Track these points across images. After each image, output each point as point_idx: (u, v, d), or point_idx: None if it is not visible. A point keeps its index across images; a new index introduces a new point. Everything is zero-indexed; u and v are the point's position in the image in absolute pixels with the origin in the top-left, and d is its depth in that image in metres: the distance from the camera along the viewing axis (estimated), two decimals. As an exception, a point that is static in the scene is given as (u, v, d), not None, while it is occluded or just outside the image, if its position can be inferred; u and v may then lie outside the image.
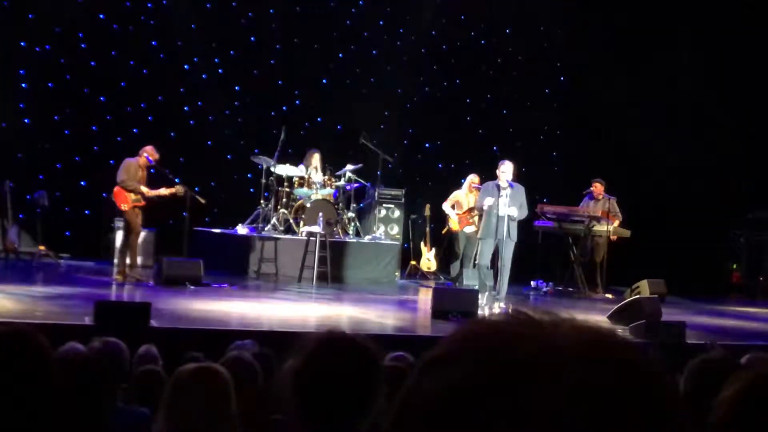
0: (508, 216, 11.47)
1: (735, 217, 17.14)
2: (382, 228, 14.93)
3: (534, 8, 17.18)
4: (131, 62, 15.01)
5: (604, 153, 16.57)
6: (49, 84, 14.55)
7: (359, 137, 14.95)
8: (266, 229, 13.67)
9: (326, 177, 13.94)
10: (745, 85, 17.09)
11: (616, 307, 10.56)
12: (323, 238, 12.92)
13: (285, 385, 2.24)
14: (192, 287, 11.13)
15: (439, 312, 9.77)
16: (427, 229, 14.84)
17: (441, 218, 14.51)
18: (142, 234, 12.48)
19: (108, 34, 14.84)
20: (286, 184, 13.77)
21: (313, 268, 12.71)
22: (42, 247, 12.79)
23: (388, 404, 0.89)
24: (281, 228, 13.70)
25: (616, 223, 14.02)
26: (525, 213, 11.85)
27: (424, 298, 12.13)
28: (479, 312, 10.01)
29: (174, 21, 15.07)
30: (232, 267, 13.16)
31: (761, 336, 10.58)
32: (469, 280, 12.62)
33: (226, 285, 11.79)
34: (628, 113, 16.74)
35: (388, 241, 14.67)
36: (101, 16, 14.89)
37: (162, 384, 3.70)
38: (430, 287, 12.82)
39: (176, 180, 12.34)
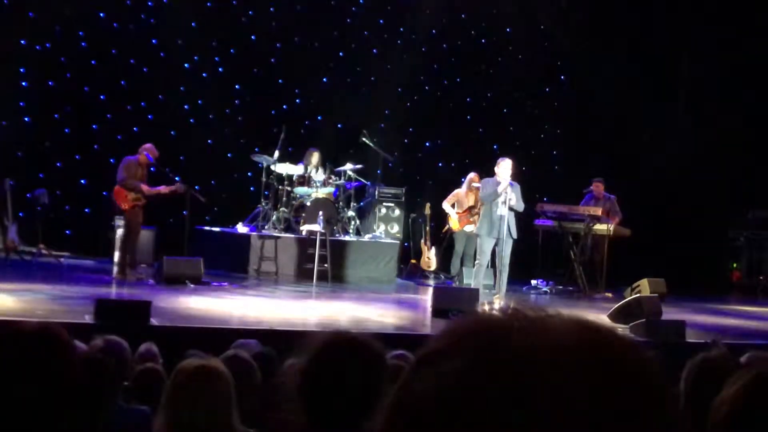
0: (509, 212, 11.47)
1: (735, 216, 17.14)
2: (382, 227, 14.93)
3: (534, 7, 17.17)
4: (131, 61, 15.01)
5: (604, 152, 16.56)
6: (50, 82, 14.54)
7: (359, 136, 14.95)
8: (266, 227, 13.67)
9: (326, 175, 13.94)
10: (745, 85, 17.09)
11: (616, 305, 10.55)
12: (323, 237, 12.92)
13: (291, 385, 2.24)
14: (192, 286, 11.13)
15: (439, 311, 9.78)
16: (427, 227, 14.83)
17: (441, 217, 14.50)
18: (143, 232, 12.48)
19: (108, 32, 14.83)
20: (286, 182, 13.77)
21: (313, 267, 12.71)
22: (42, 246, 12.78)
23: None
24: (281, 226, 13.70)
25: (616, 220, 14.02)
26: (522, 206, 11.86)
27: (424, 296, 12.13)
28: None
29: (174, 20, 15.05)
30: (233, 265, 13.17)
31: (761, 335, 10.58)
32: (469, 278, 12.62)
33: (226, 283, 11.79)
34: (628, 112, 16.73)
35: (388, 240, 14.67)
36: (101, 14, 14.88)
37: (162, 382, 3.70)
38: (430, 286, 12.83)
39: (176, 178, 12.34)
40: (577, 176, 15.21)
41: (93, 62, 14.79)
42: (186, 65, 15.41)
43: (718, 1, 17.18)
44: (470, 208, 13.73)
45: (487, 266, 12.00)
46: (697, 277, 15.27)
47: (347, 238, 14.08)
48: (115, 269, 11.84)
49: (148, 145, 11.87)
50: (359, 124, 15.27)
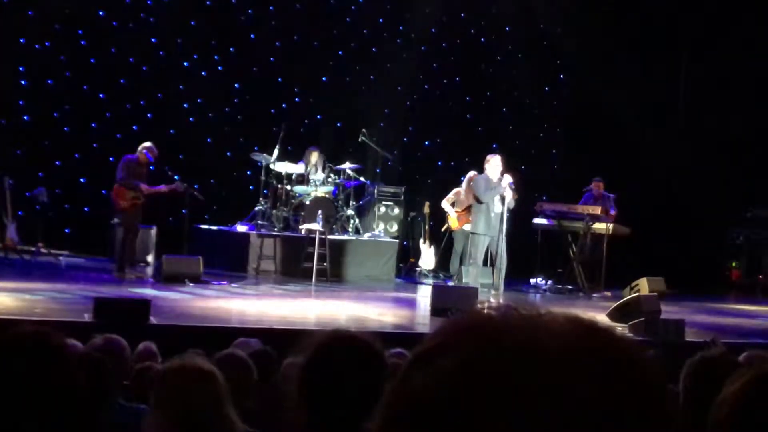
0: (504, 211, 11.48)
1: (734, 216, 17.13)
2: (381, 225, 14.93)
3: (533, 6, 17.16)
4: (131, 59, 15.00)
5: (603, 151, 16.56)
6: (49, 81, 14.54)
7: (359, 135, 14.95)
8: (265, 226, 13.67)
9: (325, 174, 13.94)
10: (745, 85, 17.08)
11: (615, 304, 10.56)
12: (322, 236, 12.92)
13: (291, 383, 2.25)
14: (191, 284, 11.13)
15: (438, 309, 9.78)
16: (427, 226, 14.84)
17: (440, 216, 14.50)
18: (142, 231, 12.48)
19: (107, 31, 14.82)
20: (285, 181, 13.77)
21: (313, 266, 12.71)
22: (41, 244, 12.78)
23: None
24: (280, 225, 13.70)
25: (612, 216, 14.02)
26: (513, 203, 11.84)
27: (423, 295, 12.13)
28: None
29: (173, 18, 15.04)
30: (232, 264, 13.16)
31: (761, 334, 10.59)
32: (468, 277, 12.62)
33: (225, 282, 11.79)
34: (627, 111, 16.73)
35: (388, 239, 14.67)
36: (101, 13, 14.88)
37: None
38: (429, 284, 12.83)
39: (175, 177, 12.34)
40: (577, 175, 15.21)
41: (92, 61, 14.78)
42: (185, 64, 15.40)
43: (718, 1, 17.17)
44: (469, 207, 13.72)
45: (486, 264, 12.01)
46: (696, 276, 15.27)
47: (346, 236, 14.08)
48: (115, 268, 11.85)
49: (147, 144, 11.87)
50: (359, 123, 15.26)
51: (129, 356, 4.66)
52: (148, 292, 10.36)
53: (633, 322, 9.38)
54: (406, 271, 15.10)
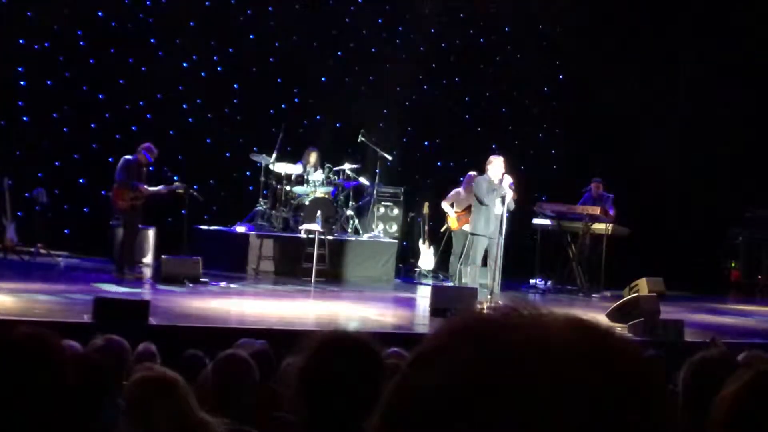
0: (504, 212, 11.48)
1: (734, 216, 17.14)
2: (380, 226, 14.93)
3: (533, 7, 17.16)
4: (130, 60, 15.00)
5: (603, 151, 16.57)
6: (48, 82, 14.54)
7: (358, 135, 14.95)
8: (265, 226, 13.67)
9: (325, 175, 13.95)
10: (744, 84, 17.09)
11: (614, 305, 10.56)
12: (322, 236, 12.92)
13: (290, 384, 2.25)
14: (191, 285, 11.13)
15: (437, 309, 9.79)
16: (426, 227, 14.84)
17: (440, 216, 14.50)
18: (141, 232, 12.48)
19: (107, 31, 14.82)
20: (284, 181, 13.77)
21: (312, 266, 12.71)
22: (40, 245, 12.79)
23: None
24: (280, 226, 13.70)
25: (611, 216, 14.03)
26: (513, 205, 11.85)
27: (423, 295, 12.13)
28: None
29: (172, 19, 15.04)
30: (231, 265, 13.16)
31: (760, 334, 10.59)
32: (467, 278, 12.62)
33: (224, 283, 11.79)
34: (627, 112, 16.73)
35: (387, 239, 14.67)
36: (100, 13, 14.88)
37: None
38: (429, 285, 12.83)
39: (175, 178, 12.34)
40: (576, 176, 15.22)
41: (91, 61, 14.78)
42: (184, 64, 15.41)
43: (718, 1, 17.18)
44: (469, 208, 13.71)
45: (483, 265, 12.01)
46: (695, 276, 15.27)
47: (346, 237, 14.08)
48: (114, 268, 11.85)
49: (146, 145, 11.87)
50: (358, 124, 15.27)
51: (129, 357, 4.66)
52: (148, 292, 10.36)
53: (632, 322, 9.39)
54: (406, 271, 15.10)
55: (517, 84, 17.57)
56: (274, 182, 13.82)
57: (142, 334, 5.82)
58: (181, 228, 12.78)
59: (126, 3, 15.03)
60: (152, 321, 7.61)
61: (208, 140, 15.53)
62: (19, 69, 14.37)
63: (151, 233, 13.38)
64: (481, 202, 11.82)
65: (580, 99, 17.45)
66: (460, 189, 14.10)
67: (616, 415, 0.79)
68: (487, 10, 17.24)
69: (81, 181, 14.69)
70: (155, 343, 5.22)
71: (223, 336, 6.84)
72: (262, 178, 13.96)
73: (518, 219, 12.65)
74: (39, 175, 14.21)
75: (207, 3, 15.58)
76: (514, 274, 13.27)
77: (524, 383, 0.78)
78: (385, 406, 0.83)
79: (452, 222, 14.10)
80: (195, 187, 12.81)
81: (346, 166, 14.27)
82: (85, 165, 14.62)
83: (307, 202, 13.49)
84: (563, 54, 17.76)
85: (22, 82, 14.44)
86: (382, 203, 15.19)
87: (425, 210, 14.91)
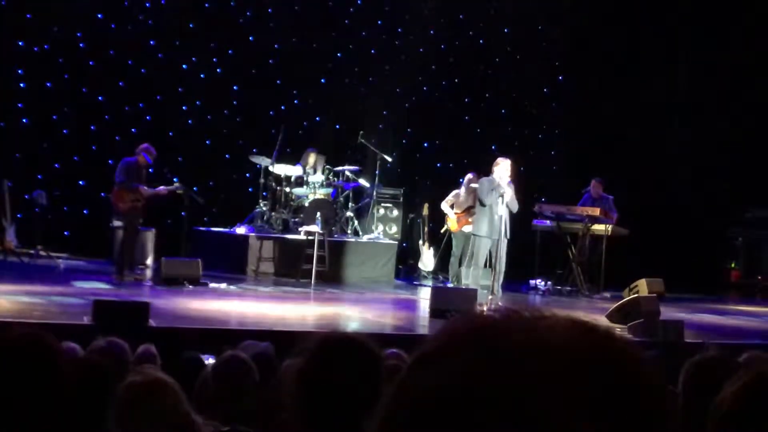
0: (507, 214, 11.47)
1: (733, 216, 17.14)
2: (380, 227, 14.93)
3: (532, 7, 17.17)
4: (129, 62, 15.00)
5: (602, 152, 16.57)
6: (48, 83, 14.54)
7: (358, 137, 14.95)
8: (264, 228, 13.67)
9: (324, 176, 13.95)
10: (744, 85, 17.10)
11: (614, 306, 10.56)
12: (321, 238, 12.92)
13: (288, 385, 2.25)
14: (190, 287, 11.12)
15: (437, 311, 9.78)
16: (426, 228, 14.83)
17: (439, 218, 14.50)
18: (141, 233, 12.47)
19: (106, 33, 14.82)
20: (284, 183, 13.77)
21: (312, 268, 12.71)
22: (40, 247, 12.78)
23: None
24: (279, 227, 13.71)
25: (612, 221, 14.03)
26: (516, 206, 11.88)
27: (423, 297, 12.14)
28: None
29: (172, 21, 15.05)
30: (231, 266, 13.16)
31: (759, 335, 10.59)
32: (467, 279, 12.62)
33: (224, 284, 11.79)
34: (626, 112, 16.74)
35: (387, 241, 14.67)
36: (99, 15, 14.88)
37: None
38: (429, 286, 12.83)
39: (174, 179, 12.33)
40: (576, 176, 15.22)
41: (91, 63, 14.78)
42: (184, 66, 15.41)
43: (718, 2, 17.18)
44: (469, 209, 13.71)
45: (485, 266, 12.00)
46: (695, 276, 15.27)
47: (345, 238, 14.08)
48: (114, 270, 11.85)
49: (144, 146, 11.87)
50: (357, 125, 15.27)
51: (129, 359, 4.66)
52: (147, 294, 10.36)
53: (632, 323, 9.39)
54: (405, 272, 15.10)
55: (516, 85, 17.57)
56: (273, 184, 13.82)
57: (142, 336, 5.81)
58: (180, 230, 12.78)
59: (125, 5, 15.03)
60: (152, 323, 7.60)
61: (207, 142, 15.54)
62: (19, 71, 14.38)
63: (150, 235, 13.38)
64: (481, 203, 11.82)
65: (579, 100, 17.46)
66: (460, 190, 14.10)
67: (617, 416, 0.79)
68: (487, 11, 17.25)
69: (81, 183, 14.70)
70: (155, 345, 5.22)
71: (223, 338, 6.84)
72: (262, 180, 13.97)
73: (518, 220, 12.64)
74: (39, 177, 14.21)
75: (207, 5, 15.58)
76: (513, 275, 13.27)
77: (524, 385, 0.78)
78: (386, 407, 0.84)
79: (452, 223, 14.10)
80: (195, 188, 12.82)
81: (346, 168, 14.27)
82: (84, 167, 14.62)
83: (306, 204, 13.50)
84: (563, 55, 17.77)
85: (21, 84, 14.44)
86: (382, 204, 15.19)
87: (425, 211, 14.91)
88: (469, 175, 13.93)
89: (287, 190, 13.77)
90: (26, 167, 14.13)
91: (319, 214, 13.04)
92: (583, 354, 0.81)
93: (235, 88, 15.77)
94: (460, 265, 13.86)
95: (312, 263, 12.72)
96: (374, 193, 15.04)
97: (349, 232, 14.34)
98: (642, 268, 13.92)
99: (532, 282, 14.00)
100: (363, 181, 14.82)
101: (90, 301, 7.86)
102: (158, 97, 15.17)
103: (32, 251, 12.74)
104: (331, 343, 2.29)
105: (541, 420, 0.77)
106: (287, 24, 15.90)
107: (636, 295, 11.54)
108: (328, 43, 16.38)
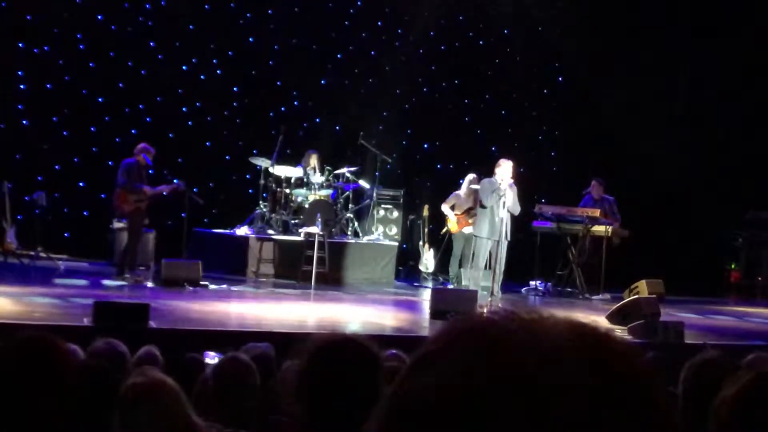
0: (508, 216, 11.48)
1: (733, 217, 17.15)
2: (380, 228, 14.93)
3: (532, 8, 17.18)
4: (129, 63, 15.00)
5: (602, 153, 16.57)
6: (48, 85, 14.54)
7: (358, 138, 14.95)
8: (264, 229, 13.67)
9: (324, 177, 13.95)
10: (744, 85, 17.10)
11: (614, 307, 10.56)
12: (321, 239, 12.91)
13: (289, 386, 2.25)
14: (190, 288, 11.13)
15: (437, 312, 9.78)
16: (426, 229, 14.83)
17: (440, 219, 14.50)
18: (143, 235, 12.47)
19: (106, 34, 14.83)
20: (284, 184, 13.78)
21: (312, 269, 12.70)
22: (40, 248, 12.79)
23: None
24: (279, 228, 13.71)
25: (616, 225, 14.03)
26: (518, 209, 11.90)
27: (423, 298, 12.14)
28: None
29: (172, 22, 15.05)
30: (231, 268, 13.16)
31: (760, 336, 10.59)
32: (467, 280, 12.63)
33: (224, 286, 11.79)
34: (626, 113, 16.74)
35: (387, 242, 14.67)
36: (100, 17, 14.88)
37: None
38: (429, 288, 12.83)
39: (174, 180, 12.33)
40: (576, 177, 15.22)
41: (91, 64, 14.79)
42: (184, 67, 15.41)
43: (718, 3, 17.19)
44: (469, 210, 13.72)
45: (485, 268, 12.01)
46: (695, 278, 15.27)
47: (345, 240, 14.08)
48: (114, 271, 11.85)
49: (142, 145, 11.88)
50: (357, 126, 15.27)
51: (128, 360, 4.65)
52: (148, 295, 10.35)
53: (632, 324, 9.39)
54: (406, 273, 15.10)
55: (516, 86, 17.58)
56: (273, 185, 13.82)
57: (141, 338, 5.81)
58: (180, 231, 12.78)
59: (125, 6, 15.03)
60: (152, 324, 7.60)
61: (207, 143, 15.54)
62: (19, 72, 14.38)
63: (151, 236, 13.38)
64: (482, 204, 11.84)
65: (579, 101, 17.46)
66: (460, 191, 14.10)
67: (617, 418, 0.79)
68: (487, 12, 17.26)
69: (81, 184, 14.70)
70: (155, 347, 5.22)
71: (222, 339, 6.84)
72: (262, 181, 13.96)
73: (518, 221, 12.65)
74: (39, 178, 14.21)
75: (206, 6, 15.58)
76: (513, 276, 13.28)
77: (524, 386, 0.78)
78: (385, 407, 0.84)
79: (452, 224, 14.10)
80: (195, 190, 12.81)
81: (346, 169, 14.27)
82: (84, 168, 14.62)
83: (306, 205, 13.50)
84: (562, 56, 17.78)
85: (21, 86, 14.44)
86: (382, 206, 15.19)
87: (425, 212, 14.91)
88: (470, 176, 13.93)
89: (287, 191, 13.78)
90: (26, 169, 14.13)
91: (319, 215, 13.04)
92: (582, 355, 0.81)
93: (235, 89, 15.77)
94: (460, 266, 13.88)
95: (312, 264, 12.72)
96: (374, 195, 15.04)
97: (349, 233, 14.34)
98: (642, 269, 13.92)
99: (532, 283, 14.00)
100: (363, 183, 14.83)
101: (90, 303, 7.86)
102: (158, 99, 15.17)
103: (32, 253, 12.74)
104: (331, 344, 2.29)
105: (541, 421, 0.77)
106: (287, 25, 15.91)
107: (636, 297, 11.54)
108: (328, 44, 16.38)
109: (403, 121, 16.81)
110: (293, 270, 13.15)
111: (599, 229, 13.74)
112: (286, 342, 4.63)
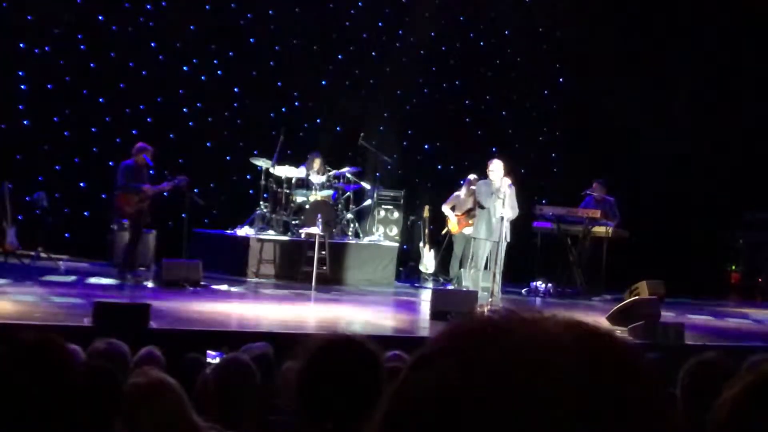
0: (505, 218, 11.49)
1: (734, 218, 17.14)
2: (381, 229, 14.93)
3: (533, 10, 17.17)
4: (130, 64, 15.00)
5: (603, 154, 16.57)
6: (49, 85, 14.54)
7: (358, 139, 14.95)
8: (265, 230, 13.66)
9: (325, 178, 13.95)
10: (744, 85, 17.09)
11: (615, 308, 10.55)
12: (322, 240, 12.91)
13: (289, 386, 2.25)
14: (191, 288, 11.12)
15: (437, 313, 9.78)
16: (426, 230, 14.83)
17: (440, 219, 14.50)
18: (143, 235, 12.48)
19: (107, 35, 14.83)
20: (285, 185, 13.78)
21: (312, 270, 12.70)
22: (41, 249, 12.79)
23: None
24: (280, 229, 13.70)
25: (615, 223, 14.03)
26: (517, 212, 11.90)
27: (423, 299, 12.13)
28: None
29: (173, 23, 15.04)
30: (231, 268, 13.16)
31: (760, 337, 10.59)
32: (468, 281, 12.63)
33: (225, 286, 11.79)
34: (627, 114, 16.73)
35: (387, 243, 14.66)
36: (100, 17, 14.88)
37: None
38: (429, 288, 12.83)
39: (176, 179, 12.32)
40: (576, 178, 15.21)
41: (92, 65, 14.79)
42: (185, 68, 15.41)
43: (718, 3, 17.19)
44: (469, 211, 13.72)
45: (485, 268, 12.01)
46: (695, 279, 15.27)
47: (346, 240, 14.08)
48: (115, 272, 11.85)
49: (140, 145, 11.89)
50: (358, 127, 15.27)
51: (129, 360, 4.65)
52: (148, 296, 10.35)
53: (633, 325, 9.38)
54: (406, 274, 15.10)
55: (517, 87, 17.58)
56: (274, 186, 13.82)
57: (142, 338, 5.81)
58: (181, 231, 12.77)
59: (126, 7, 15.03)
60: (153, 325, 7.60)
61: (208, 144, 15.54)
62: (20, 73, 14.38)
63: (151, 237, 13.38)
64: (481, 206, 11.84)
65: (579, 102, 17.46)
66: (460, 192, 14.10)
67: (616, 418, 0.79)
68: (487, 13, 17.26)
69: (81, 185, 14.70)
70: (155, 347, 5.22)
71: (223, 339, 6.84)
72: (263, 182, 13.96)
73: (518, 222, 12.65)
74: (39, 178, 14.21)
75: (207, 7, 15.58)
76: (514, 277, 13.27)
77: (524, 386, 0.78)
78: (386, 408, 0.84)
79: (452, 225, 14.10)
80: (195, 190, 12.81)
81: (347, 170, 14.27)
82: (85, 169, 14.62)
83: (307, 206, 13.50)
84: (563, 57, 17.77)
85: (22, 86, 14.44)
86: (383, 206, 15.18)
87: (426, 213, 14.90)
88: (471, 177, 13.93)
89: (288, 192, 13.78)
90: (27, 169, 14.13)
91: (319, 216, 13.04)
92: (583, 356, 0.81)
93: (235, 90, 15.78)
94: (460, 267, 13.88)
95: (312, 265, 12.72)
96: (375, 195, 15.04)
97: (349, 234, 14.33)
98: (642, 269, 13.92)
99: (532, 284, 14.00)
100: (364, 183, 14.82)
101: (90, 303, 7.86)
102: (159, 99, 15.17)
103: (33, 253, 12.74)
104: (331, 345, 2.29)
105: (541, 421, 0.77)
106: (288, 26, 15.90)
107: (636, 297, 11.54)
108: (329, 45, 16.38)
109: (404, 121, 16.81)
110: (294, 271, 13.15)
111: (599, 229, 13.74)
112: (286, 342, 4.63)
